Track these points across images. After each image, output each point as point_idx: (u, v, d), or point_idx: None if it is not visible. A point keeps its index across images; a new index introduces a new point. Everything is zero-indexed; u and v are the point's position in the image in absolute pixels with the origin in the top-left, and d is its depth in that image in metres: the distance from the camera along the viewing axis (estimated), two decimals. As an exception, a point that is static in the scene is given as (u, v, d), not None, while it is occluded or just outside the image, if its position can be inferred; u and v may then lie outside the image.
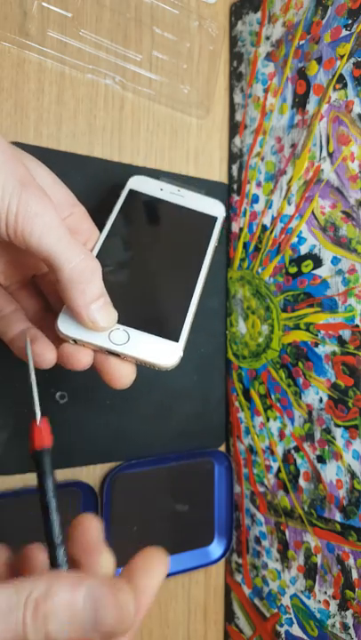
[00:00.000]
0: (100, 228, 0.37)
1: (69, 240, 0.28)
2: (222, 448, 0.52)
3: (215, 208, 0.41)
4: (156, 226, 0.39)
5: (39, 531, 0.43)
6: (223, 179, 0.52)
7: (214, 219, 0.40)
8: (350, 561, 0.42)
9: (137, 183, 0.40)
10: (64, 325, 0.31)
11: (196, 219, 0.40)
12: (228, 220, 0.52)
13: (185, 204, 0.40)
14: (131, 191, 0.40)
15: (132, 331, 0.33)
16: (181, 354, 0.34)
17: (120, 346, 0.32)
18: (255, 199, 0.50)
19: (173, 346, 0.34)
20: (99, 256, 0.35)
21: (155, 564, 0.27)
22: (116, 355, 0.32)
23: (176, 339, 0.34)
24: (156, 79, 0.47)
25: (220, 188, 0.52)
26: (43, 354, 0.31)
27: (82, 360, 0.32)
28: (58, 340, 0.32)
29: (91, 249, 0.35)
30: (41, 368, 0.31)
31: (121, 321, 0.33)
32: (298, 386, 0.46)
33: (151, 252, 0.38)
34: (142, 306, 0.35)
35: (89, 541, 0.27)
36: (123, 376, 0.33)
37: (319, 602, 0.44)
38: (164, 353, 0.33)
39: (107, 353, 0.32)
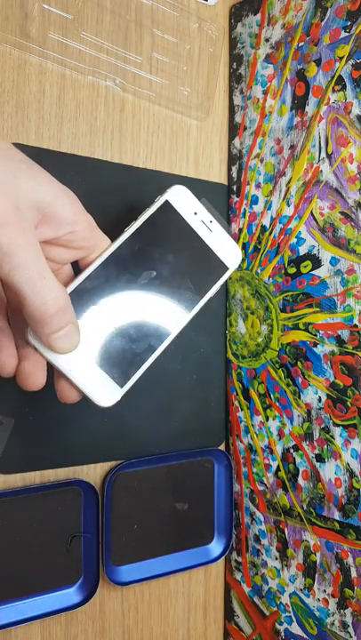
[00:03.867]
0: (114, 236, 0.36)
1: (37, 282, 0.28)
2: (222, 447, 0.53)
3: (232, 256, 0.39)
4: (165, 256, 0.37)
5: (39, 530, 0.44)
6: (223, 180, 0.53)
7: (225, 269, 0.39)
8: (349, 559, 0.42)
9: (176, 195, 0.38)
10: (32, 333, 0.32)
11: (208, 262, 0.38)
12: (227, 221, 0.53)
13: (207, 240, 0.38)
14: (166, 202, 0.37)
15: (88, 361, 0.33)
16: (119, 399, 0.34)
17: (70, 370, 0.33)
18: (255, 200, 0.50)
19: (116, 390, 0.34)
20: (93, 275, 0.34)
21: None
22: (64, 376, 0.33)
23: (122, 384, 0.34)
24: (156, 81, 0.48)
25: (219, 189, 0.52)
26: (5, 364, 0.32)
27: (36, 382, 0.33)
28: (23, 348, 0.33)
29: (90, 262, 0.35)
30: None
31: (83, 347, 0.33)
32: (297, 385, 0.46)
33: (145, 286, 0.36)
34: (109, 340, 0.34)
35: None
36: (65, 396, 0.34)
37: (318, 600, 0.45)
38: (105, 392, 0.34)
39: (58, 370, 0.33)
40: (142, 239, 0.36)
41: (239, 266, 0.51)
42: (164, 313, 0.36)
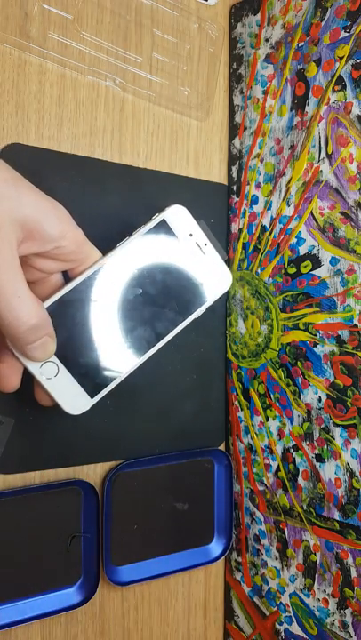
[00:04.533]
0: (106, 250, 0.36)
1: (10, 300, 0.29)
2: (222, 447, 0.53)
3: (222, 281, 0.40)
4: (154, 275, 0.37)
5: (39, 530, 0.44)
6: (223, 180, 0.53)
7: (213, 292, 0.39)
8: (349, 559, 0.42)
9: (174, 215, 0.38)
10: None
11: (196, 285, 0.39)
12: (227, 221, 0.53)
13: (199, 263, 0.39)
14: (163, 221, 0.38)
15: (62, 370, 0.34)
16: (88, 409, 0.35)
17: (42, 377, 0.34)
18: (254, 200, 0.50)
19: (86, 400, 0.35)
20: (78, 287, 0.35)
21: None
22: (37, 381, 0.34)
23: (92, 395, 0.35)
24: (156, 81, 0.48)
25: (219, 189, 0.52)
26: None
27: (9, 384, 0.34)
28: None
29: (81, 272, 0.36)
30: None
31: (59, 356, 0.34)
32: (297, 385, 0.46)
33: (129, 303, 0.37)
34: (85, 352, 0.35)
35: None
36: (39, 399, 0.36)
37: (318, 600, 0.45)
38: (75, 402, 0.35)
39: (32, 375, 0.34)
40: (133, 255, 0.37)
41: (239, 265, 0.51)
42: (144, 331, 0.37)
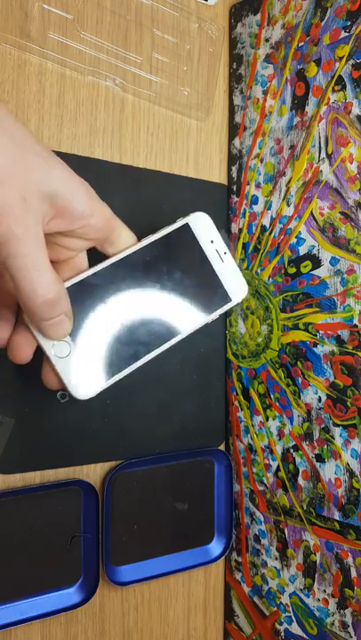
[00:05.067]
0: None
1: (29, 273, 0.29)
2: (222, 447, 0.53)
3: (238, 290, 0.40)
4: (173, 273, 0.38)
5: (39, 530, 0.44)
6: (223, 180, 0.53)
7: (228, 300, 0.40)
8: (349, 559, 0.42)
9: (198, 220, 0.39)
10: None
11: (213, 291, 0.40)
12: (227, 221, 0.53)
13: (217, 269, 0.40)
14: (186, 225, 0.39)
15: (74, 351, 0.34)
16: (94, 395, 0.35)
17: (53, 356, 0.34)
18: (254, 200, 0.50)
19: (93, 386, 0.35)
20: (100, 272, 0.35)
21: None
22: (48, 359, 0.34)
23: (100, 382, 0.35)
24: (156, 81, 0.48)
25: (219, 189, 0.52)
26: None
27: (21, 356, 0.34)
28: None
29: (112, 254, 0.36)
30: None
31: (73, 337, 0.34)
32: (297, 385, 0.46)
33: (146, 296, 0.37)
34: (99, 338, 0.35)
35: None
36: (46, 380, 0.35)
37: (318, 600, 0.45)
38: (82, 386, 0.35)
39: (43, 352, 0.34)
40: (155, 252, 0.37)
41: (239, 265, 0.51)
42: (157, 326, 0.37)
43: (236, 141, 0.52)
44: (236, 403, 0.52)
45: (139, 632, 0.49)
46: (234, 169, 0.52)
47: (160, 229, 0.38)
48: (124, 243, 0.37)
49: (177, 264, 0.38)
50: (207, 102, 0.51)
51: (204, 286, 0.39)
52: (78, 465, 0.45)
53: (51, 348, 0.34)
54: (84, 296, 0.35)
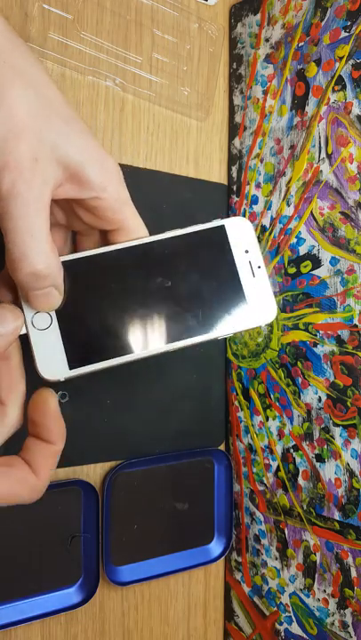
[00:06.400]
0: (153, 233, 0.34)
1: (22, 237, 0.27)
2: (222, 447, 0.53)
3: (264, 312, 0.34)
4: (191, 274, 0.34)
5: (39, 530, 0.44)
6: (223, 180, 0.53)
7: (249, 320, 0.34)
8: (349, 559, 0.42)
9: (236, 225, 0.35)
10: None
11: (234, 306, 0.34)
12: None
13: (246, 282, 0.34)
14: (222, 227, 0.35)
15: (54, 327, 0.31)
16: (62, 380, 0.31)
17: (31, 324, 0.31)
18: (254, 200, 0.50)
19: (64, 368, 0.31)
20: (108, 254, 0.32)
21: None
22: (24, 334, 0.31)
23: (72, 367, 0.31)
24: (156, 81, 0.48)
25: (219, 189, 0.52)
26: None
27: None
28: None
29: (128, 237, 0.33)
30: None
31: (58, 312, 0.31)
32: (297, 385, 0.46)
33: (151, 290, 0.33)
34: (86, 321, 0.32)
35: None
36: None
37: (318, 600, 0.45)
38: (52, 365, 0.31)
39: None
40: (177, 247, 0.34)
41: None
42: (154, 327, 0.33)
43: (236, 141, 0.52)
44: (236, 403, 0.52)
45: (139, 632, 0.49)
46: (234, 169, 0.52)
47: (191, 225, 0.34)
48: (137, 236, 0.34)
49: (198, 266, 0.34)
50: (207, 102, 0.51)
51: (225, 298, 0.34)
52: (78, 465, 0.45)
53: (31, 316, 0.31)
54: (81, 274, 0.32)
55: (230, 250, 0.34)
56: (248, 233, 0.35)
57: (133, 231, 0.33)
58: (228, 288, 0.34)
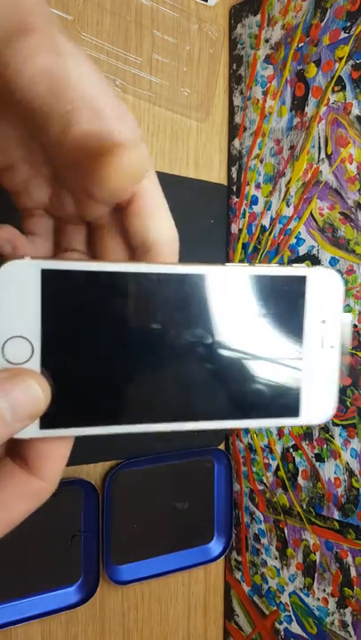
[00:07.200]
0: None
1: (112, 98, 0.21)
2: (222, 446, 0.53)
3: (319, 408, 0.26)
4: (238, 335, 0.24)
5: (40, 529, 0.44)
6: (223, 180, 0.53)
7: (294, 414, 0.25)
8: (349, 559, 0.42)
9: (321, 281, 0.25)
10: None
11: (279, 389, 0.25)
12: (227, 222, 0.53)
13: (307, 364, 0.25)
14: (302, 279, 0.25)
15: (34, 363, 0.22)
16: (27, 438, 0.23)
17: (2, 356, 0.21)
18: (254, 200, 0.50)
19: (34, 427, 0.23)
20: (138, 276, 0.22)
21: None
22: None
23: (51, 425, 0.23)
24: (156, 82, 0.48)
25: (219, 189, 0.52)
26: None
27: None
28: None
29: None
30: None
31: (43, 344, 0.22)
32: (297, 385, 0.46)
33: (180, 345, 0.23)
34: (82, 370, 0.23)
35: None
36: None
37: (318, 599, 0.45)
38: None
39: None
40: (232, 290, 0.24)
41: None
42: (169, 396, 0.24)
43: (236, 142, 0.52)
44: (236, 402, 0.52)
45: (139, 631, 0.49)
46: (234, 169, 0.52)
47: (256, 264, 0.25)
48: (158, 222, 0.24)
49: (254, 326, 0.24)
50: (207, 103, 0.51)
51: (271, 377, 0.25)
52: (78, 464, 0.45)
53: (1, 343, 0.21)
54: (88, 294, 0.22)
55: (304, 313, 0.25)
56: (335, 294, 0.26)
57: (154, 205, 0.24)
58: (282, 364, 0.25)
